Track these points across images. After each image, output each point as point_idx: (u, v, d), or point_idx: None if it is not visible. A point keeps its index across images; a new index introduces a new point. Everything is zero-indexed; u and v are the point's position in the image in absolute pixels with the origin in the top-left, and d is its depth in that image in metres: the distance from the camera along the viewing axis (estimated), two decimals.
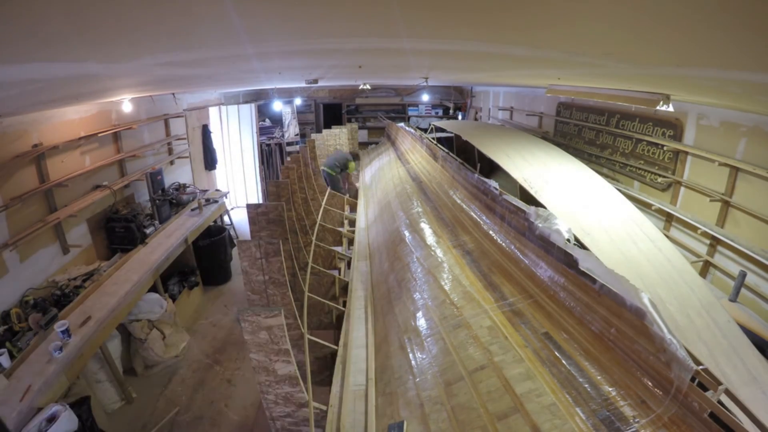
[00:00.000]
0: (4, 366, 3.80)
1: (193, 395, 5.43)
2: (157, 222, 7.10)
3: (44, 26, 1.31)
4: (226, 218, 9.47)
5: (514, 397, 2.30)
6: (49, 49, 1.67)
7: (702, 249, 5.00)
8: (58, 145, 5.25)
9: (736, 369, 2.61)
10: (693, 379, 1.80)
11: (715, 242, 4.82)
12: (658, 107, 3.47)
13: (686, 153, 5.29)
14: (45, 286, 5.12)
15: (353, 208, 8.15)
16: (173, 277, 7.10)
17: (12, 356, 3.94)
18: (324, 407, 2.94)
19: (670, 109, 3.48)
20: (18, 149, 4.78)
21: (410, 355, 3.17)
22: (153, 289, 5.93)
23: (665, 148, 5.56)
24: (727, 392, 1.78)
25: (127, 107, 6.44)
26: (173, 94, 8.09)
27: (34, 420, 3.47)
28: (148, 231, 6.65)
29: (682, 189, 5.41)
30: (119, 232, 6.25)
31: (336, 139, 10.70)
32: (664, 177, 5.64)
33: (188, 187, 8.70)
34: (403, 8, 1.43)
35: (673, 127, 5.49)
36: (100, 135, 6.11)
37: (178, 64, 2.88)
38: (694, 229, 4.96)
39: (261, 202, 11.26)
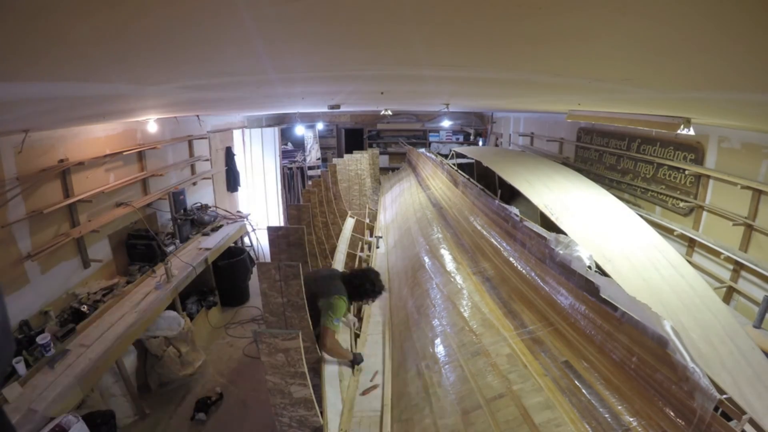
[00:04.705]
0: (19, 374, 3.84)
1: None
2: (177, 241, 7.19)
3: (74, 48, 1.35)
4: (246, 239, 9.54)
5: (533, 427, 2.26)
6: (79, 70, 1.72)
7: (725, 274, 4.91)
8: (84, 161, 5.38)
9: (761, 397, 2.55)
10: (716, 409, 1.76)
11: (738, 267, 4.73)
12: (678, 131, 3.44)
13: (708, 177, 5.24)
14: (64, 299, 5.21)
15: (373, 233, 8.15)
16: (192, 296, 7.15)
17: (28, 365, 3.99)
18: None
19: (691, 132, 3.45)
20: (44, 163, 4.91)
21: (428, 382, 3.14)
22: (171, 307, 5.97)
23: (687, 173, 5.51)
24: (752, 422, 1.74)
25: (152, 127, 6.59)
26: (198, 116, 8.25)
27: (45, 429, 3.49)
28: (168, 249, 6.73)
29: (705, 213, 5.35)
30: (140, 249, 6.33)
31: (357, 164, 10.74)
32: (686, 201, 5.58)
33: (210, 207, 8.81)
34: (424, 38, 1.45)
35: (695, 150, 5.45)
36: (125, 153, 6.23)
37: (205, 87, 2.94)
38: (717, 254, 4.88)
39: (282, 225, 11.35)
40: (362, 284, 3.97)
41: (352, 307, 4.73)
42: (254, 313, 7.91)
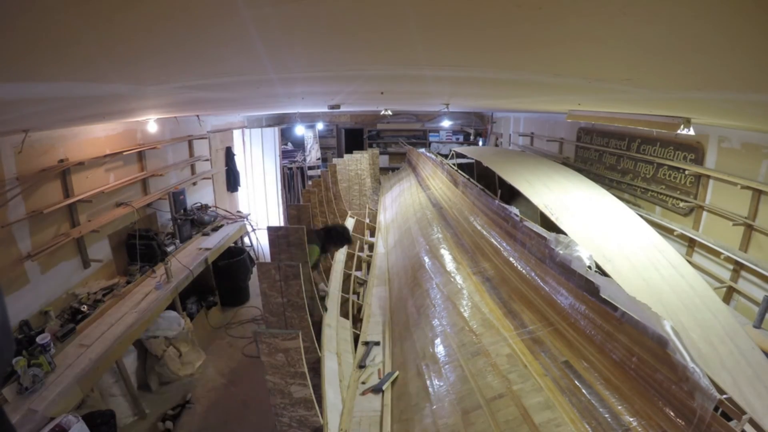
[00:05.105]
0: (19, 374, 3.84)
1: (207, 414, 5.42)
2: (177, 241, 7.19)
3: (74, 48, 1.35)
4: (246, 239, 9.54)
5: (533, 426, 2.26)
6: (78, 70, 1.72)
7: (725, 274, 4.90)
8: (84, 161, 5.37)
9: (761, 397, 2.55)
10: (716, 409, 1.76)
11: (738, 267, 4.72)
12: (678, 131, 3.44)
13: (708, 177, 5.23)
14: (64, 299, 5.21)
15: (373, 233, 8.15)
16: (192, 296, 7.14)
17: (28, 365, 3.99)
18: None
19: (691, 132, 3.44)
20: (44, 164, 4.90)
21: (428, 381, 3.14)
22: (171, 306, 5.97)
23: (687, 173, 5.51)
24: (752, 421, 1.74)
25: (152, 127, 6.59)
26: (198, 116, 8.25)
27: (45, 429, 3.49)
28: (168, 249, 6.73)
29: (705, 213, 5.34)
30: (140, 249, 6.32)
31: (357, 164, 10.75)
32: (686, 201, 5.57)
33: (210, 207, 8.80)
34: (424, 38, 1.45)
35: (695, 150, 5.44)
36: (125, 153, 6.23)
37: (205, 87, 2.93)
38: (717, 254, 4.87)
39: (282, 225, 11.35)
40: (329, 234, 5.05)
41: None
42: (254, 313, 7.91)
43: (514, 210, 4.12)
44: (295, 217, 5.78)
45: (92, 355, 4.27)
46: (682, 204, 5.64)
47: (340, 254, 6.33)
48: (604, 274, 2.99)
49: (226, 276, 7.95)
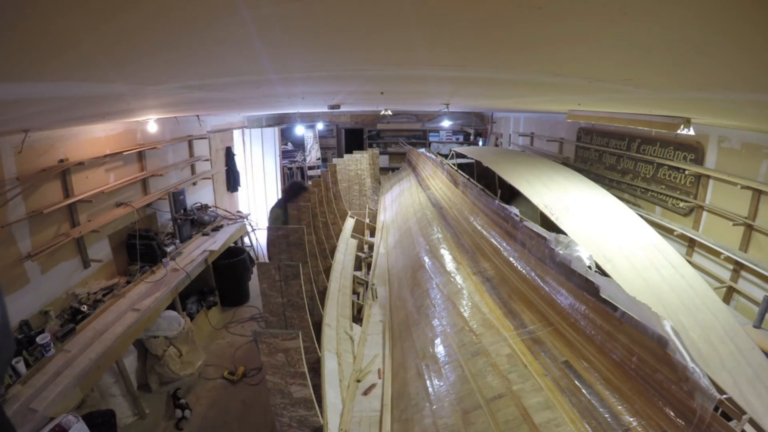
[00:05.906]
0: (20, 373, 3.84)
1: (207, 414, 5.42)
2: (177, 241, 7.19)
3: (74, 48, 1.35)
4: (246, 239, 9.54)
5: (533, 426, 2.26)
6: (78, 70, 1.72)
7: (725, 274, 4.90)
8: (84, 161, 5.38)
9: (761, 397, 2.54)
10: (716, 409, 1.76)
11: (738, 267, 4.73)
12: (678, 131, 3.44)
13: (708, 177, 5.24)
14: (64, 299, 5.22)
15: (373, 233, 8.15)
16: (192, 296, 7.14)
17: (28, 365, 3.99)
18: None
19: (691, 132, 3.44)
20: (44, 163, 4.90)
21: (427, 381, 3.14)
22: (171, 306, 5.97)
23: (687, 173, 5.51)
24: (752, 421, 1.74)
25: (152, 127, 6.59)
26: (198, 116, 8.25)
27: (45, 429, 3.49)
28: (168, 249, 6.74)
29: (705, 213, 5.34)
30: (140, 249, 6.32)
31: (357, 164, 10.74)
32: (686, 201, 5.57)
33: (210, 207, 8.80)
34: (424, 38, 1.45)
35: (695, 150, 5.44)
36: (125, 153, 6.23)
37: (205, 87, 2.94)
38: (717, 254, 4.87)
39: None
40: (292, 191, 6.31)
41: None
42: (254, 313, 7.90)
43: (514, 210, 4.12)
44: (295, 217, 5.78)
45: (92, 355, 4.27)
46: (682, 204, 5.64)
47: (340, 254, 6.33)
48: (604, 274, 2.99)
49: (226, 276, 7.95)
